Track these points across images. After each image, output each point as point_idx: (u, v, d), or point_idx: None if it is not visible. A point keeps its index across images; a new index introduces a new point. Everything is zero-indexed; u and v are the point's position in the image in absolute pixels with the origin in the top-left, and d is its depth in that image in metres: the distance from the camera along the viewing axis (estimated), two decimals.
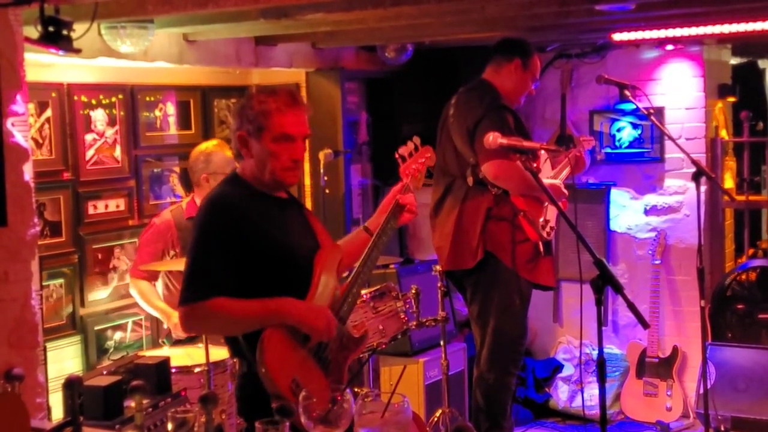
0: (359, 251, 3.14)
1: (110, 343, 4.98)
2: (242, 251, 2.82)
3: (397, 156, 3.28)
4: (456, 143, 4.44)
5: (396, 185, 3.25)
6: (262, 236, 2.86)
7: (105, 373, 3.61)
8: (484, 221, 4.38)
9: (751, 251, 6.34)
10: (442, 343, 4.63)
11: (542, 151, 4.44)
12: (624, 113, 6.16)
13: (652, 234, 6.08)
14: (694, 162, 4.45)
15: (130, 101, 5.14)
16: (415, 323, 4.28)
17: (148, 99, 5.26)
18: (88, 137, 4.89)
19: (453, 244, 4.46)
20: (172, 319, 4.56)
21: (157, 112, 5.33)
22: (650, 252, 6.00)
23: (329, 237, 3.14)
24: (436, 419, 4.72)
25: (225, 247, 2.81)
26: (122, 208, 5.10)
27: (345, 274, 3.22)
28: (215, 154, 4.73)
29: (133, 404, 2.34)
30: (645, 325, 2.95)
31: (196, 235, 2.89)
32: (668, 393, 5.77)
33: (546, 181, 4.34)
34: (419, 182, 3.25)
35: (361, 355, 3.43)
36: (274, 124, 2.89)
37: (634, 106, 5.10)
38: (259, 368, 2.74)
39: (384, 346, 3.97)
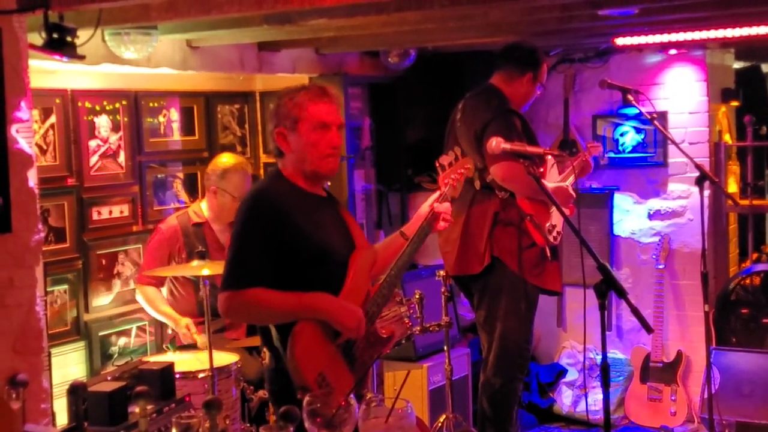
0: (394, 256, 3.22)
1: (114, 349, 4.99)
2: (280, 245, 2.92)
3: (437, 164, 3.34)
4: (463, 147, 4.43)
5: (434, 193, 3.33)
6: (300, 233, 2.95)
7: (109, 378, 3.60)
8: (491, 226, 4.37)
9: (755, 255, 6.32)
10: (445, 348, 4.63)
11: (549, 156, 4.44)
12: (627, 118, 6.15)
13: (656, 238, 6.07)
14: (698, 166, 4.44)
15: (134, 107, 5.15)
16: (419, 328, 4.28)
17: (151, 105, 5.27)
18: (92, 143, 4.90)
19: (460, 249, 4.45)
20: (180, 324, 4.57)
21: (161, 118, 5.34)
22: (654, 256, 5.99)
23: (364, 236, 3.24)
24: (439, 425, 4.72)
25: (264, 240, 2.91)
26: (126, 213, 5.11)
27: (380, 278, 3.26)
28: (233, 173, 4.76)
29: (137, 410, 2.34)
30: (649, 329, 2.94)
31: (237, 227, 2.99)
32: (672, 398, 5.76)
33: (554, 184, 4.34)
34: (456, 191, 3.34)
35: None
36: (309, 114, 3.00)
37: (637, 111, 5.08)
38: (289, 359, 2.86)
39: (388, 351, 3.97)
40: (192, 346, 4.55)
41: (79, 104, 4.82)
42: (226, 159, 4.87)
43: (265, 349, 3.06)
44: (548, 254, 4.43)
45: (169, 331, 4.85)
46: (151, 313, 4.72)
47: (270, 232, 2.91)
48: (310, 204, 3.06)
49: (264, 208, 2.95)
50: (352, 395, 2.16)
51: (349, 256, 3.05)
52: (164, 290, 4.79)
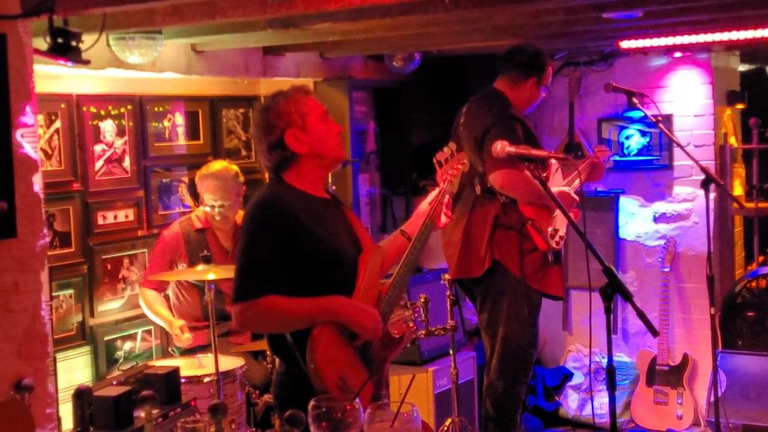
0: (397, 254, 3.22)
1: (120, 354, 4.99)
2: (292, 250, 2.87)
3: (434, 161, 3.32)
4: (465, 151, 4.44)
5: (433, 189, 3.31)
6: (312, 237, 2.90)
7: (115, 383, 3.60)
8: (492, 230, 4.37)
9: (761, 258, 6.31)
10: (451, 352, 4.62)
11: (553, 161, 4.43)
12: (632, 121, 6.15)
13: (662, 242, 6.07)
14: (703, 169, 4.43)
15: (139, 112, 5.15)
16: (424, 332, 4.27)
17: (156, 109, 5.28)
18: (97, 148, 4.91)
19: (461, 253, 4.46)
20: (173, 326, 4.59)
21: (166, 123, 5.35)
22: (660, 260, 5.98)
23: (370, 237, 3.20)
24: (445, 428, 4.71)
25: (276, 246, 2.86)
26: (131, 218, 5.11)
27: (384, 278, 3.25)
28: (206, 178, 4.78)
29: (143, 414, 2.34)
30: (654, 333, 2.94)
31: (246, 234, 2.94)
32: (679, 401, 5.75)
33: (556, 189, 4.33)
34: (454, 187, 3.31)
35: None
36: (311, 106, 3.02)
37: (643, 114, 5.08)
38: (309, 364, 2.80)
39: (400, 352, 3.97)
40: (194, 350, 4.56)
41: (84, 109, 4.83)
42: (209, 164, 4.86)
43: (268, 353, 3.05)
44: (550, 259, 4.42)
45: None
46: (148, 315, 4.74)
47: (282, 237, 2.86)
48: (317, 207, 3.01)
49: (274, 214, 2.89)
50: (357, 399, 2.16)
51: (357, 257, 3.02)
52: (170, 295, 4.80)
